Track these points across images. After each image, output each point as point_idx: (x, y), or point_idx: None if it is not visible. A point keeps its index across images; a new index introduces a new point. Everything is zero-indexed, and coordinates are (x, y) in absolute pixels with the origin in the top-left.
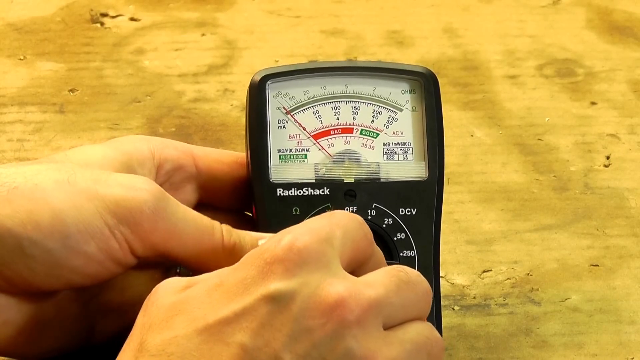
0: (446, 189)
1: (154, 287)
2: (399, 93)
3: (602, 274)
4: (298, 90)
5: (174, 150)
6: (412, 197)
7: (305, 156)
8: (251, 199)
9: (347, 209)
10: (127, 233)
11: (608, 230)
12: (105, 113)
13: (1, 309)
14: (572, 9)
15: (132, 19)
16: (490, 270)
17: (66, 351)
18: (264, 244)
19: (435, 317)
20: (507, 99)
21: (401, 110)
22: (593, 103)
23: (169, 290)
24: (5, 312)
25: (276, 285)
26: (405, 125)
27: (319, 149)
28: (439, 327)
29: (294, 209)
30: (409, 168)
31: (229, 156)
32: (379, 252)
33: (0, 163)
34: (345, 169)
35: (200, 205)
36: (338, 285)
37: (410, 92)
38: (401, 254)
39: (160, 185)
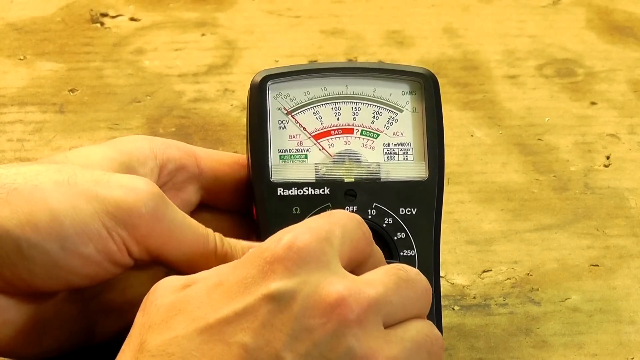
0: (446, 189)
1: None
2: (399, 94)
3: (602, 274)
4: (298, 91)
5: (176, 150)
6: (412, 197)
7: (306, 156)
8: (251, 199)
9: (347, 209)
10: (124, 235)
11: (608, 230)
12: (105, 113)
13: (1, 310)
14: (572, 9)
15: (132, 19)
16: (490, 270)
17: (66, 351)
18: (264, 243)
19: (435, 316)
20: (507, 99)
21: (401, 111)
22: (593, 103)
23: (167, 289)
24: (5, 312)
25: (277, 284)
26: (405, 126)
27: (320, 149)
28: (439, 327)
29: (294, 209)
30: (409, 168)
31: (229, 157)
32: (378, 252)
33: (0, 163)
34: (345, 169)
35: (202, 206)
36: (338, 284)
37: (411, 93)
38: (401, 254)
39: (163, 185)
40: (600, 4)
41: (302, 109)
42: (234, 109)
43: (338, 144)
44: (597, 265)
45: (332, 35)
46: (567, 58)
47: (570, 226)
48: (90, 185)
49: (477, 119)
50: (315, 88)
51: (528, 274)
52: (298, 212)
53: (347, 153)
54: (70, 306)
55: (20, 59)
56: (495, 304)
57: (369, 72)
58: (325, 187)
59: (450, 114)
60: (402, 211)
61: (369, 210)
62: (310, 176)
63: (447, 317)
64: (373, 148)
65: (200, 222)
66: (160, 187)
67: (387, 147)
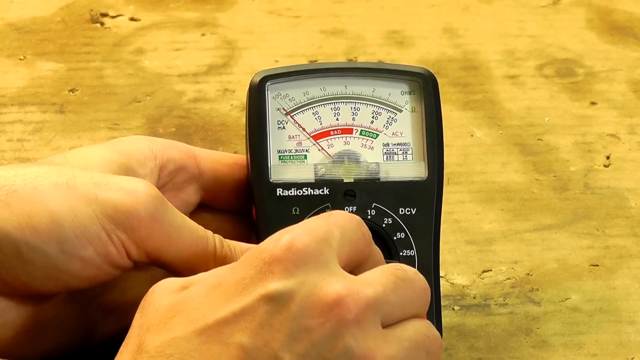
0: (446, 189)
1: None
2: (399, 94)
3: (602, 274)
4: (298, 91)
5: (176, 151)
6: (411, 196)
7: (305, 156)
8: (251, 199)
9: (346, 209)
10: (124, 238)
11: (608, 230)
12: (105, 113)
13: (0, 312)
14: (572, 9)
15: (132, 19)
16: (490, 270)
17: (66, 351)
18: (262, 243)
19: (435, 317)
20: (507, 99)
21: (400, 111)
22: (593, 103)
23: (166, 291)
24: (4, 314)
25: (275, 285)
26: (404, 126)
27: (319, 150)
28: (439, 327)
29: (293, 209)
30: (409, 168)
31: (229, 158)
32: (377, 252)
33: (0, 163)
34: (344, 169)
35: (201, 207)
36: (336, 284)
37: (410, 93)
38: (401, 254)
39: (163, 185)
40: (600, 4)
41: (301, 109)
42: (234, 109)
43: (337, 144)
44: (597, 265)
45: (332, 35)
46: (567, 58)
47: (570, 226)
48: (89, 187)
49: (477, 119)
50: (314, 88)
51: (528, 274)
52: (297, 213)
53: (347, 153)
54: (69, 307)
55: (20, 59)
56: (495, 304)
57: (368, 72)
58: (325, 188)
59: (450, 114)
60: (402, 211)
61: (369, 211)
62: (309, 176)
63: (447, 317)
64: (372, 148)
65: (200, 223)
66: (160, 187)
67: (387, 147)
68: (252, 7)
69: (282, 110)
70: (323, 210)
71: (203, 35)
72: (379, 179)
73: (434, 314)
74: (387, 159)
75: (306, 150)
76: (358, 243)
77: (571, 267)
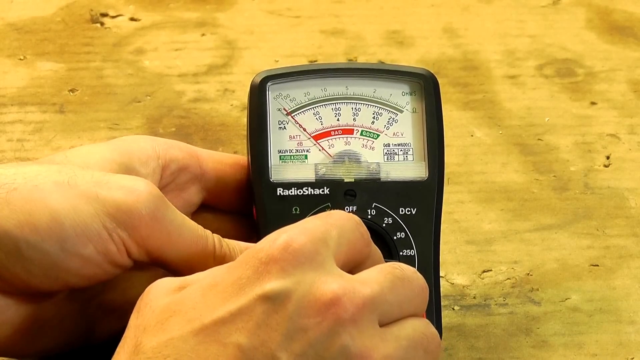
0: (446, 189)
1: None
2: (399, 94)
3: (602, 274)
4: (298, 92)
5: (178, 151)
6: (412, 196)
7: (306, 156)
8: (251, 199)
9: (347, 209)
10: (124, 236)
11: (608, 230)
12: (105, 113)
13: (0, 311)
14: (572, 9)
15: (132, 19)
16: (490, 270)
17: (66, 350)
18: (259, 243)
19: (435, 316)
20: (507, 99)
21: (401, 111)
22: (593, 103)
23: (162, 291)
24: (4, 312)
25: (271, 285)
26: (405, 126)
27: (319, 150)
28: (439, 327)
29: (294, 209)
30: (409, 168)
31: (231, 158)
32: (376, 253)
33: (0, 163)
34: (345, 169)
35: (203, 207)
36: (332, 284)
37: (411, 93)
38: (401, 253)
39: (166, 185)
40: (600, 4)
41: (302, 110)
42: (234, 109)
43: (338, 145)
44: (597, 265)
45: (332, 35)
46: (567, 58)
47: (570, 226)
48: (90, 186)
49: (477, 119)
50: (315, 89)
51: (528, 274)
52: (298, 212)
53: (347, 153)
54: (69, 306)
55: (20, 59)
56: (495, 304)
57: (369, 72)
58: (325, 187)
59: (450, 114)
60: (402, 211)
61: (369, 210)
62: (310, 176)
63: (447, 317)
64: (373, 148)
65: (201, 222)
66: (162, 187)
67: (387, 148)
68: (252, 7)
69: (283, 111)
70: (323, 210)
71: (203, 35)
72: (380, 178)
73: (434, 314)
74: (387, 159)
75: (307, 151)
76: (356, 243)
77: (571, 267)
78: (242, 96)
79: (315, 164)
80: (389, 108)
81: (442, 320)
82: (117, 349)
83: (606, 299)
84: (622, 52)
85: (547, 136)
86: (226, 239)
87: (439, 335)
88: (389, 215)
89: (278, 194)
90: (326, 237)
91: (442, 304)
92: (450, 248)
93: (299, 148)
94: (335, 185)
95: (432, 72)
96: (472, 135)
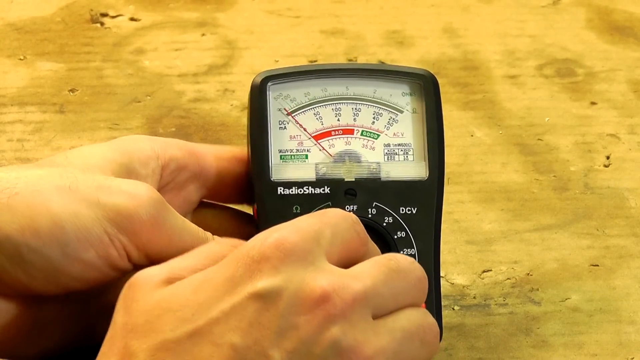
0: (446, 189)
1: None
2: (400, 95)
3: (602, 274)
4: (299, 92)
5: (177, 149)
6: (412, 196)
7: (306, 156)
8: (252, 197)
9: (347, 208)
10: (125, 241)
11: (608, 230)
12: (105, 113)
13: (0, 313)
14: (572, 9)
15: (132, 19)
16: (490, 270)
17: (66, 350)
18: (251, 241)
19: (436, 317)
20: (507, 99)
21: (401, 112)
22: (593, 103)
23: (147, 285)
24: (4, 315)
25: (263, 283)
26: (405, 126)
27: (320, 150)
28: (439, 327)
29: (294, 208)
30: (410, 168)
31: (228, 152)
32: (374, 251)
33: (0, 163)
34: (345, 168)
35: (203, 204)
36: (322, 280)
37: (411, 94)
38: (401, 252)
39: (165, 185)
40: (600, 4)
41: (303, 110)
42: (234, 109)
43: (338, 144)
44: (597, 265)
45: (332, 35)
46: (567, 58)
47: (570, 226)
48: (92, 191)
49: (477, 119)
50: (315, 89)
51: (528, 274)
52: (298, 211)
53: (348, 153)
54: (70, 307)
55: (20, 59)
56: (495, 304)
57: (369, 73)
58: (326, 187)
59: (450, 114)
60: (402, 210)
61: (369, 209)
62: (310, 175)
63: (447, 317)
64: (373, 148)
65: (201, 220)
66: (162, 187)
67: (388, 148)
68: (252, 7)
69: (283, 111)
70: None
71: (203, 35)
72: (380, 178)
73: (435, 314)
74: (388, 159)
75: (307, 150)
76: (351, 242)
77: (571, 267)
78: (242, 96)
79: (316, 164)
80: (389, 108)
81: (442, 320)
82: (103, 349)
83: (606, 299)
84: (622, 52)
85: (547, 136)
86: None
87: (437, 325)
88: (389, 215)
89: (279, 193)
90: (319, 236)
91: (442, 304)
92: (450, 248)
93: (299, 148)
94: (336, 184)
95: (432, 72)
96: (472, 135)
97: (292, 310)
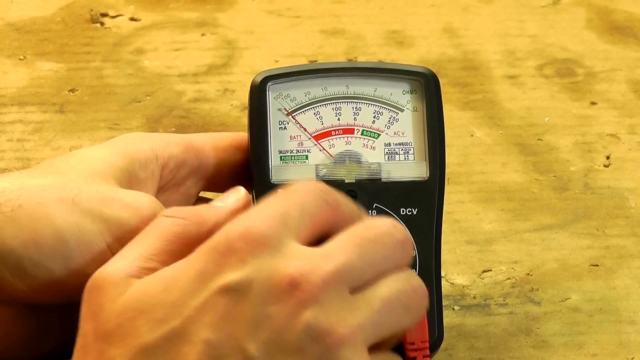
0: (446, 189)
1: None
2: (400, 93)
3: (602, 274)
4: (299, 92)
5: (176, 146)
6: (412, 197)
7: (307, 157)
8: (251, 186)
9: None
10: None
11: (608, 230)
12: (105, 113)
13: (2, 321)
14: (572, 9)
15: (132, 19)
16: (490, 270)
17: (66, 349)
18: (217, 234)
19: (436, 317)
20: (507, 99)
21: (402, 110)
22: (593, 103)
23: (112, 285)
24: (6, 323)
25: (232, 276)
26: (406, 125)
27: (320, 150)
28: (440, 328)
29: None
30: (410, 168)
31: (225, 141)
32: (351, 214)
33: None
34: (346, 169)
35: (199, 199)
36: (290, 267)
37: (411, 92)
38: None
39: (165, 184)
40: (600, 4)
41: (303, 110)
42: (234, 109)
43: (339, 145)
44: (597, 265)
45: (332, 35)
46: (567, 58)
47: (570, 226)
48: (95, 204)
49: (477, 119)
50: (315, 88)
51: (528, 274)
52: None
53: (348, 153)
54: (71, 313)
55: (20, 59)
56: (495, 304)
57: (370, 71)
58: None
59: (450, 114)
60: (403, 211)
61: (370, 211)
62: (310, 177)
63: (447, 317)
64: (374, 148)
65: None
66: (162, 186)
67: (388, 147)
68: (252, 7)
69: (283, 111)
70: None
71: (203, 35)
72: (381, 179)
73: (435, 314)
74: (388, 159)
75: (307, 151)
76: (322, 215)
77: (571, 267)
78: (242, 96)
79: (316, 165)
80: (390, 107)
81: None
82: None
83: (606, 299)
84: (622, 52)
85: (547, 136)
86: None
87: (424, 286)
88: (389, 216)
89: None
90: (286, 219)
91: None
92: (450, 248)
93: (299, 148)
94: (336, 186)
95: (433, 70)
96: (472, 135)
97: (263, 300)
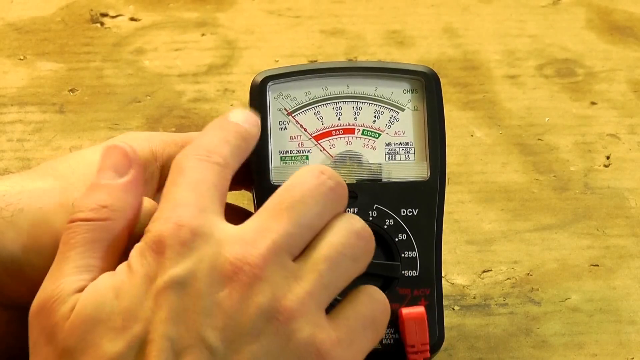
0: (446, 189)
1: None
2: (401, 93)
3: (602, 274)
4: (299, 92)
5: (174, 146)
6: (413, 197)
7: (307, 157)
8: (249, 182)
9: (347, 210)
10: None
11: (608, 230)
12: (105, 113)
13: (1, 324)
14: (572, 9)
15: (132, 19)
16: (490, 270)
17: None
18: (148, 235)
19: (437, 317)
20: (507, 99)
21: (403, 109)
22: (593, 103)
23: (59, 303)
24: (7, 325)
25: (174, 270)
26: (407, 125)
27: (321, 150)
28: (440, 329)
29: None
30: (411, 168)
31: None
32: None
33: None
34: (346, 170)
35: None
36: (228, 252)
37: (412, 91)
38: (402, 255)
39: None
40: (600, 4)
41: (303, 110)
42: (234, 109)
43: (339, 145)
44: (597, 265)
45: (332, 35)
46: (567, 58)
47: (570, 226)
48: None
49: (477, 119)
50: (316, 88)
51: (528, 274)
52: None
53: (348, 154)
54: None
55: (20, 59)
56: (495, 304)
57: (370, 71)
58: None
59: (450, 114)
60: (403, 212)
61: (370, 212)
62: None
63: (447, 317)
64: (374, 148)
65: None
66: (161, 186)
67: (389, 147)
68: (252, 7)
69: (283, 111)
70: None
71: (203, 35)
72: (381, 179)
73: (436, 315)
74: (389, 159)
75: (308, 151)
76: (222, 180)
77: (571, 267)
78: (242, 96)
79: None
80: (390, 106)
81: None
82: None
83: (606, 299)
84: (622, 52)
85: (547, 136)
86: None
87: (367, 226)
88: (390, 217)
89: None
90: (203, 202)
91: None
92: (450, 248)
93: (300, 149)
94: None
95: (433, 69)
96: (472, 135)
97: (210, 289)
